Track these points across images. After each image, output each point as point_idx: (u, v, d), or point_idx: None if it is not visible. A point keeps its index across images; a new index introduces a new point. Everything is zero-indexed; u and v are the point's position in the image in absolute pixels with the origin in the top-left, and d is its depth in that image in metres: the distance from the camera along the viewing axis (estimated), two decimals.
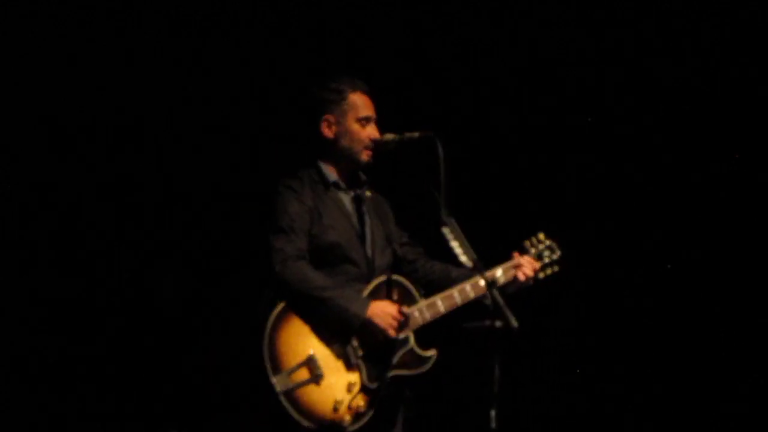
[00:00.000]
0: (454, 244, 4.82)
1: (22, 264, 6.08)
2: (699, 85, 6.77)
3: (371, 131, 5.07)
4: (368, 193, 5.20)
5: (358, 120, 5.06)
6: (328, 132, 5.08)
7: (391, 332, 4.89)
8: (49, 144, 6.15)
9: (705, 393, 6.78)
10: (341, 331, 4.88)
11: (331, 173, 5.09)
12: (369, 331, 4.89)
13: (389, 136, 5.04)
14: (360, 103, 5.08)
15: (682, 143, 6.84)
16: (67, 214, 6.18)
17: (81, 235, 6.21)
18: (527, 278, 5.18)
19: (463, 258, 4.81)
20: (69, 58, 6.12)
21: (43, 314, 6.10)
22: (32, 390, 6.07)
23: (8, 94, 6.01)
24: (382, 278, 5.03)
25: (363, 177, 5.18)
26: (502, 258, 5.23)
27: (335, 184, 5.09)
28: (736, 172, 6.78)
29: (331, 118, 5.07)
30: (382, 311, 4.89)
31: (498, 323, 4.61)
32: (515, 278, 5.16)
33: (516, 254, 5.23)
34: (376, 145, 5.05)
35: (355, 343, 4.89)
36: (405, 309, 4.95)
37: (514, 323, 4.57)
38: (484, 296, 5.03)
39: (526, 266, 5.19)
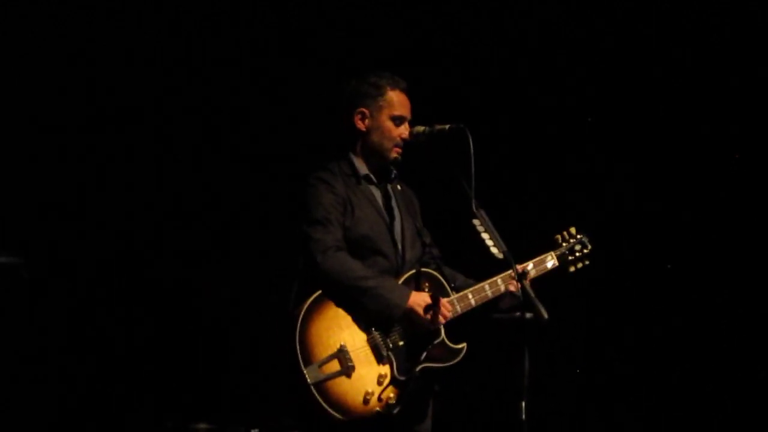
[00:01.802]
0: (485, 236, 4.84)
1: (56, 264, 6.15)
2: (701, 84, 6.74)
3: (403, 131, 5.08)
4: (398, 187, 5.22)
5: (392, 117, 5.08)
6: (360, 124, 5.10)
7: (431, 323, 4.91)
8: (84, 139, 6.21)
9: (706, 393, 6.74)
10: (382, 320, 4.90)
11: (362, 166, 5.11)
12: (409, 321, 4.91)
13: (420, 128, 5.06)
14: (397, 101, 5.09)
15: (681, 144, 6.80)
16: (102, 214, 6.26)
17: (116, 233, 6.29)
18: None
19: (494, 250, 4.84)
20: (72, 55, 6.18)
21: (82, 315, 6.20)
22: (71, 388, 6.16)
23: (7, 94, 6.07)
24: (412, 271, 5.04)
25: (394, 171, 5.19)
26: (534, 249, 5.23)
27: (366, 178, 5.11)
28: (736, 172, 6.72)
29: (366, 111, 5.09)
30: (423, 301, 4.91)
31: (528, 315, 4.61)
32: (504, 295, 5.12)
33: (529, 263, 5.22)
34: (406, 143, 5.06)
35: (387, 334, 4.91)
36: (442, 300, 4.95)
37: (545, 315, 4.58)
38: (512, 294, 5.05)
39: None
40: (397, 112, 5.08)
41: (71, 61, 6.14)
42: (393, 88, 5.09)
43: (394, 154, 5.08)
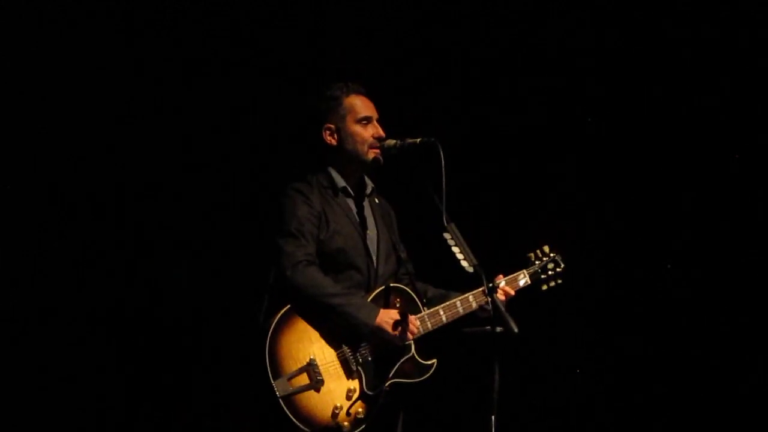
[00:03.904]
0: (455, 250, 4.83)
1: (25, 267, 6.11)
2: (700, 84, 6.76)
3: (374, 130, 5.08)
4: (376, 200, 5.22)
5: (358, 121, 5.08)
6: (331, 140, 5.10)
7: (399, 340, 4.90)
8: (54, 143, 6.17)
9: (704, 393, 6.73)
10: (349, 337, 4.88)
11: (339, 179, 5.11)
12: (377, 338, 4.89)
13: (390, 142, 5.05)
14: (357, 104, 5.10)
15: (682, 143, 6.82)
16: (71, 215, 6.20)
17: (85, 237, 6.23)
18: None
19: (465, 263, 4.82)
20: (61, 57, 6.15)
21: (43, 318, 6.12)
22: (29, 395, 6.07)
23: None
24: (382, 287, 5.03)
25: (371, 184, 5.19)
26: (506, 265, 5.24)
27: (344, 190, 5.10)
28: (736, 172, 6.75)
29: (331, 125, 5.09)
30: (391, 318, 4.89)
31: (499, 329, 4.61)
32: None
33: (500, 276, 5.22)
34: (380, 144, 5.06)
35: (357, 349, 4.89)
36: (411, 317, 4.94)
37: (515, 329, 4.58)
38: (482, 308, 5.04)
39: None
40: (360, 115, 5.08)
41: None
42: (348, 94, 5.10)
43: (371, 155, 5.06)
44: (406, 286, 5.10)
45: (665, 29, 6.77)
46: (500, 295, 5.05)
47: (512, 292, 5.18)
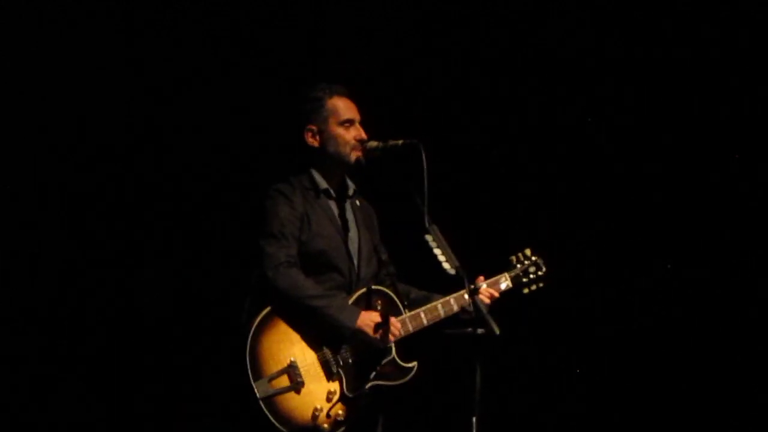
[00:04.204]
0: (437, 252, 4.83)
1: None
2: (699, 84, 6.76)
3: (356, 133, 5.08)
4: (358, 202, 5.21)
5: (340, 123, 5.07)
6: (313, 141, 5.09)
7: (380, 342, 4.90)
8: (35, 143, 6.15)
9: (703, 394, 6.74)
10: (330, 339, 4.87)
11: (322, 181, 5.10)
12: (359, 341, 4.89)
13: (373, 144, 5.05)
14: (340, 106, 5.10)
15: (682, 143, 6.83)
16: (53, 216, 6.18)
17: (65, 236, 6.21)
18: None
19: (446, 265, 4.82)
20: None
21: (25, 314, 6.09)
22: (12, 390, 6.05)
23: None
24: (364, 289, 5.03)
25: (353, 186, 5.19)
26: (487, 267, 5.24)
27: (326, 192, 5.10)
28: (736, 172, 6.76)
29: (313, 127, 5.09)
30: (372, 321, 4.90)
31: (480, 330, 4.60)
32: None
33: (481, 278, 5.21)
34: (363, 146, 5.06)
35: (338, 351, 4.88)
36: (392, 319, 4.94)
37: (497, 330, 4.57)
38: (464, 310, 5.04)
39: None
40: (342, 117, 5.07)
41: None
42: (331, 96, 5.10)
43: (354, 157, 5.06)
44: (387, 288, 5.10)
45: (665, 29, 6.77)
46: (484, 297, 5.07)
47: (496, 294, 5.18)
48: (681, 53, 6.78)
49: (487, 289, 5.14)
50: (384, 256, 5.22)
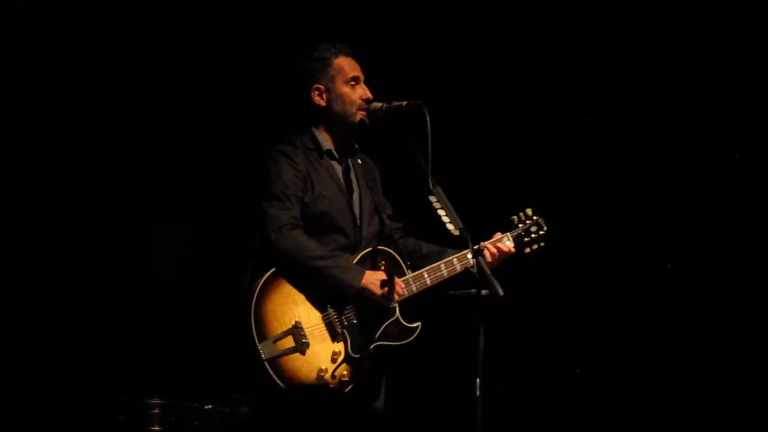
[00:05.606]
0: (441, 213, 4.83)
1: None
2: (699, 83, 6.75)
3: (362, 92, 5.09)
4: (359, 161, 5.21)
5: (347, 82, 5.08)
6: (319, 100, 5.09)
7: (385, 302, 4.92)
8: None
9: (703, 394, 6.77)
10: (335, 300, 4.89)
11: (325, 141, 5.10)
12: (363, 300, 4.91)
13: (377, 105, 5.05)
14: (345, 65, 5.10)
15: (681, 143, 6.83)
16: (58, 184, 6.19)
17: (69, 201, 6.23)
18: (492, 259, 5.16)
19: (450, 226, 4.82)
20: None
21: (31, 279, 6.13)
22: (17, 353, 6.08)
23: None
24: (368, 249, 5.04)
25: (355, 145, 5.18)
26: (491, 228, 5.24)
27: (329, 152, 5.10)
28: (736, 172, 6.75)
29: (320, 86, 5.08)
30: (377, 279, 4.91)
31: (484, 291, 4.61)
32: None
33: (498, 234, 5.23)
34: (367, 107, 5.06)
35: (342, 312, 4.90)
36: (396, 279, 4.95)
37: (501, 292, 4.58)
38: (468, 270, 5.05)
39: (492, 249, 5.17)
40: (349, 75, 5.08)
41: None
42: (338, 55, 5.10)
43: (358, 117, 5.07)
44: (390, 247, 5.11)
45: (665, 28, 6.75)
46: (488, 255, 5.09)
47: (503, 250, 5.17)
48: (680, 53, 6.76)
49: (491, 243, 5.16)
50: (388, 213, 5.23)
